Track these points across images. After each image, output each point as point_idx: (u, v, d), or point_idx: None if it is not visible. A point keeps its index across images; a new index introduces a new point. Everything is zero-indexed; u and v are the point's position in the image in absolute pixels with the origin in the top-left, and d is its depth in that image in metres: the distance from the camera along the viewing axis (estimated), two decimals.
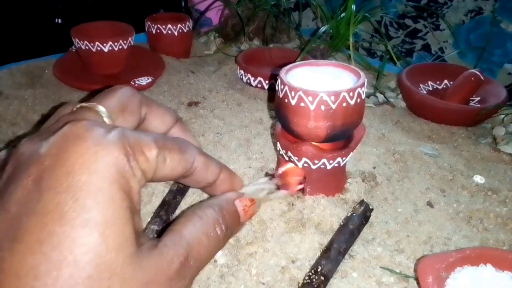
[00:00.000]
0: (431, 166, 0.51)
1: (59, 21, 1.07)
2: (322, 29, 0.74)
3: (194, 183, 0.31)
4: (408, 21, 0.92)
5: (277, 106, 0.40)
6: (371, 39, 0.90)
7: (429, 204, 0.45)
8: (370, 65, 0.76)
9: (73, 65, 0.68)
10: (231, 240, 0.38)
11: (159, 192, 0.43)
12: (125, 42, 0.65)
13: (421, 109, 0.61)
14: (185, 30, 0.75)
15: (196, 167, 0.28)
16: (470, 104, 0.63)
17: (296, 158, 0.41)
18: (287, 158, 0.42)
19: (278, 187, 0.43)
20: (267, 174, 0.46)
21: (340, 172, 0.44)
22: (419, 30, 0.92)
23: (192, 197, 0.43)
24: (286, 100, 0.38)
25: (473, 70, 0.62)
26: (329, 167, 0.41)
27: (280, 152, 0.43)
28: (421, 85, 0.67)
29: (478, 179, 0.49)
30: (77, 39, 0.64)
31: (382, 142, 0.55)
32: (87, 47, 0.64)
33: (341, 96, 0.37)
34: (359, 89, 0.38)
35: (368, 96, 0.67)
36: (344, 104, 0.37)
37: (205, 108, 0.62)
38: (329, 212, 0.41)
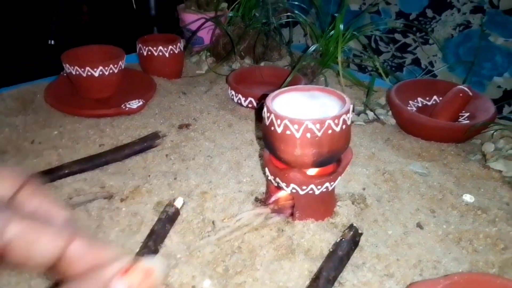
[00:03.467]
0: (421, 186, 0.51)
1: (52, 42, 1.08)
2: (312, 47, 0.74)
3: (18, 266, 0.21)
4: (397, 36, 0.93)
5: (264, 133, 0.41)
6: (361, 54, 0.90)
7: (419, 226, 0.45)
8: (360, 81, 0.76)
9: (64, 90, 0.68)
10: (219, 270, 0.38)
11: (148, 221, 0.43)
12: (115, 66, 0.66)
13: (411, 127, 0.62)
14: (176, 51, 0.75)
15: (10, 241, 0.20)
16: (460, 120, 0.63)
17: (285, 184, 0.41)
18: (275, 184, 0.42)
19: (274, 212, 0.43)
20: (256, 199, 0.46)
21: (329, 196, 0.44)
22: (408, 45, 0.93)
23: (181, 225, 0.43)
24: (272, 128, 0.38)
25: (462, 86, 0.62)
26: (317, 192, 0.41)
27: (269, 178, 0.43)
28: (410, 101, 0.67)
29: (468, 198, 0.49)
30: (67, 64, 0.64)
31: (372, 161, 0.55)
32: (77, 72, 0.64)
33: (326, 123, 0.37)
34: (344, 116, 0.38)
35: (358, 113, 0.67)
36: (330, 132, 0.37)
37: (196, 130, 0.62)
38: (318, 237, 0.41)
